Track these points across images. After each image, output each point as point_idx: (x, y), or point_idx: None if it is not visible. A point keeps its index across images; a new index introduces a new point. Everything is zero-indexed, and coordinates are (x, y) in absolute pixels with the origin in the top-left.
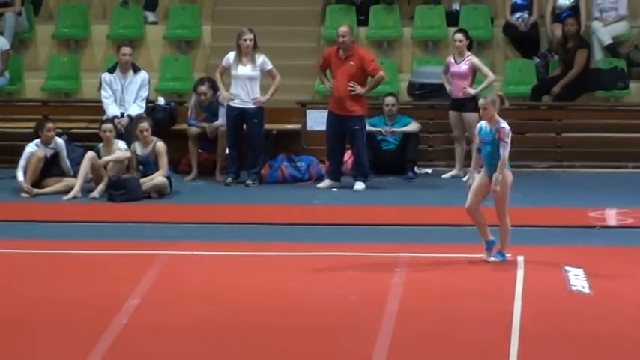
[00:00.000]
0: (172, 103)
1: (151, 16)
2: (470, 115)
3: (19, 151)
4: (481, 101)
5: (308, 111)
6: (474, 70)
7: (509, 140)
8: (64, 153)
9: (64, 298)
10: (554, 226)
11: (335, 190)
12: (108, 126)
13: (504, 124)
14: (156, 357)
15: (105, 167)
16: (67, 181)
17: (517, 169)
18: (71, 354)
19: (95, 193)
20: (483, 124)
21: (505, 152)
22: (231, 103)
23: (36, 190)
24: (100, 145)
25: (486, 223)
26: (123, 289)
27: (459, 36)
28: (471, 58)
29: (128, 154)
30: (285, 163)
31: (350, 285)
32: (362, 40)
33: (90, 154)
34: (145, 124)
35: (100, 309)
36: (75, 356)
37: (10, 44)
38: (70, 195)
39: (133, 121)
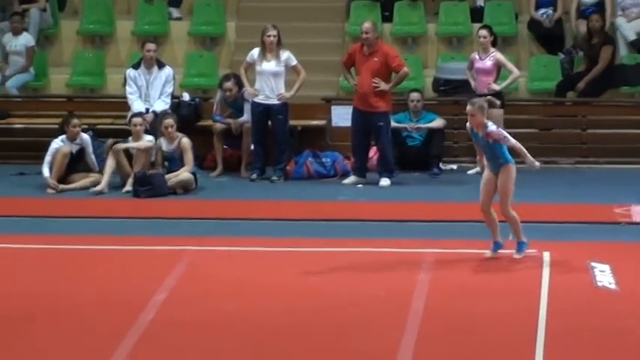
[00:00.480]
0: (197, 99)
1: (175, 12)
2: (495, 112)
3: (45, 147)
4: (468, 108)
5: (333, 107)
6: (498, 67)
7: (505, 134)
8: (90, 149)
9: (90, 294)
10: (580, 222)
11: (360, 186)
12: (137, 119)
13: (491, 127)
14: (182, 353)
15: (130, 164)
16: (92, 177)
17: (542, 165)
18: (98, 349)
19: (128, 187)
20: (474, 129)
21: (511, 142)
22: (256, 99)
23: (61, 186)
24: (129, 138)
25: (497, 223)
26: (149, 284)
27: (484, 32)
28: (495, 54)
29: (151, 143)
30: (310, 159)
31: (375, 282)
32: (386, 36)
33: (115, 147)
34: (169, 120)
35: (126, 305)
36: (102, 352)
37: (35, 40)
38: (98, 188)
39: (158, 117)
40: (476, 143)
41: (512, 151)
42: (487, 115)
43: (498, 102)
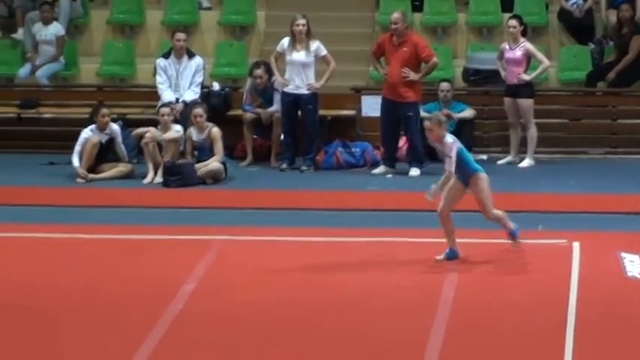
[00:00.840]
0: (227, 89)
1: (205, 2)
2: (525, 102)
3: (74, 136)
4: (426, 123)
5: (363, 97)
6: (528, 57)
7: (454, 155)
8: (120, 138)
9: (120, 284)
10: (610, 213)
11: (390, 176)
12: (165, 110)
13: (449, 139)
14: (210, 343)
15: (160, 152)
16: (122, 167)
17: (573, 155)
18: (128, 339)
19: (158, 178)
20: (434, 144)
21: (451, 167)
22: (286, 89)
23: (91, 176)
24: (158, 127)
25: (454, 230)
26: (178, 274)
27: (513, 22)
28: (525, 44)
29: (179, 134)
30: (340, 149)
31: (404, 271)
32: (416, 25)
33: (145, 140)
34: (199, 110)
35: (155, 294)
36: (131, 341)
37: (65, 30)
38: (147, 180)
39: (188, 106)
40: (442, 158)
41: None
42: (443, 128)
43: (456, 116)
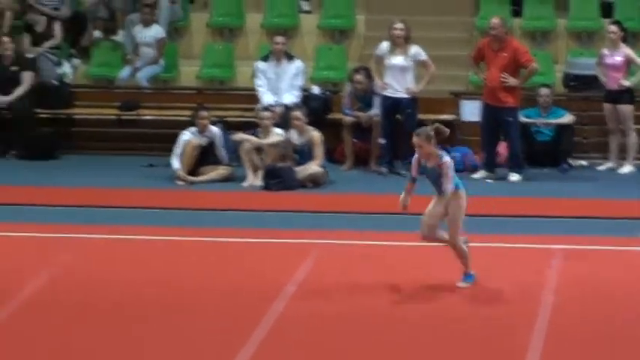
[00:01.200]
0: (327, 92)
1: (305, 5)
2: (625, 108)
3: (174, 138)
4: (415, 139)
5: (462, 102)
6: (628, 62)
7: (450, 173)
8: (220, 141)
9: (222, 285)
10: None
11: (489, 181)
12: (266, 114)
13: (446, 157)
14: (312, 345)
15: (261, 156)
16: (222, 169)
17: None
18: (230, 340)
19: (254, 180)
20: (422, 160)
21: (449, 186)
22: (385, 93)
23: (191, 178)
24: (258, 130)
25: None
26: (279, 277)
27: (613, 27)
28: (625, 50)
29: (280, 138)
30: None
31: (505, 276)
32: (516, 31)
33: (244, 147)
34: (298, 113)
35: (257, 296)
36: (234, 342)
37: (165, 32)
38: (247, 183)
39: (288, 109)
40: (426, 176)
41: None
42: (433, 144)
43: (447, 130)
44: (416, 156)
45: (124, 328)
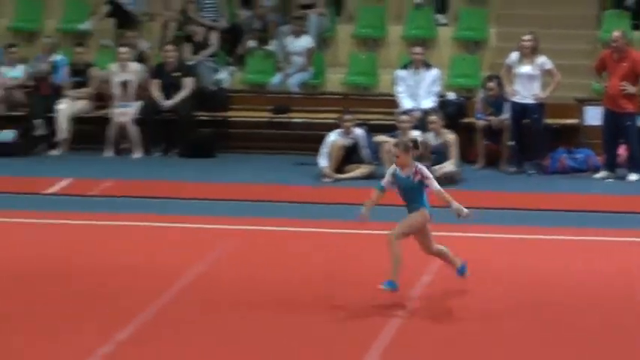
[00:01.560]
0: (461, 98)
1: (441, 18)
2: None
3: (321, 139)
4: (393, 149)
5: (585, 108)
6: None
7: (430, 174)
8: (363, 142)
9: (360, 276)
10: None
11: (610, 180)
12: (405, 117)
13: (420, 165)
14: (447, 334)
15: None
16: (364, 168)
17: None
18: (369, 326)
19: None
20: (397, 170)
21: (435, 185)
22: (514, 99)
23: (337, 175)
24: (397, 132)
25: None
26: (416, 266)
27: None
28: None
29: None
30: (564, 155)
31: (630, 271)
32: (636, 43)
33: (386, 148)
34: (435, 117)
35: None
36: (374, 324)
37: (314, 42)
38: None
39: (426, 113)
40: (398, 187)
41: (438, 196)
42: (411, 155)
43: (427, 145)
44: (392, 167)
45: (246, 322)
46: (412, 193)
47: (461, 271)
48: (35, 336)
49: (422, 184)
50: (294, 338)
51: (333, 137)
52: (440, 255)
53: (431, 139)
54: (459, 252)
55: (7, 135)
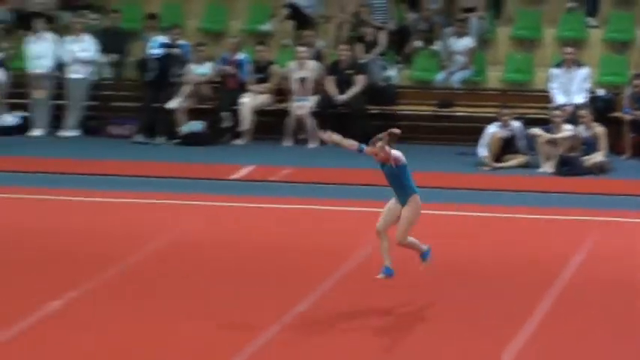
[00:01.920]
0: (610, 94)
1: (592, 21)
2: None
3: (481, 131)
4: (369, 149)
5: None
6: None
7: (404, 159)
8: (519, 134)
9: (502, 257)
10: None
11: None
12: (557, 112)
13: (394, 151)
14: (597, 308)
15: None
16: (520, 158)
17: None
18: (531, 294)
19: (547, 168)
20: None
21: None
22: None
23: (495, 164)
24: (551, 125)
25: (389, 248)
26: (566, 249)
27: None
28: None
29: (570, 132)
30: None
31: None
32: None
33: (540, 139)
34: (584, 111)
35: (546, 268)
36: (535, 296)
37: (475, 42)
38: (541, 169)
39: (577, 108)
40: (385, 176)
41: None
42: (389, 150)
43: (398, 130)
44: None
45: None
46: (398, 181)
47: (424, 256)
48: (199, 320)
49: (403, 168)
50: None
51: (492, 129)
52: (381, 239)
53: (581, 131)
54: (611, 235)
55: (197, 126)
